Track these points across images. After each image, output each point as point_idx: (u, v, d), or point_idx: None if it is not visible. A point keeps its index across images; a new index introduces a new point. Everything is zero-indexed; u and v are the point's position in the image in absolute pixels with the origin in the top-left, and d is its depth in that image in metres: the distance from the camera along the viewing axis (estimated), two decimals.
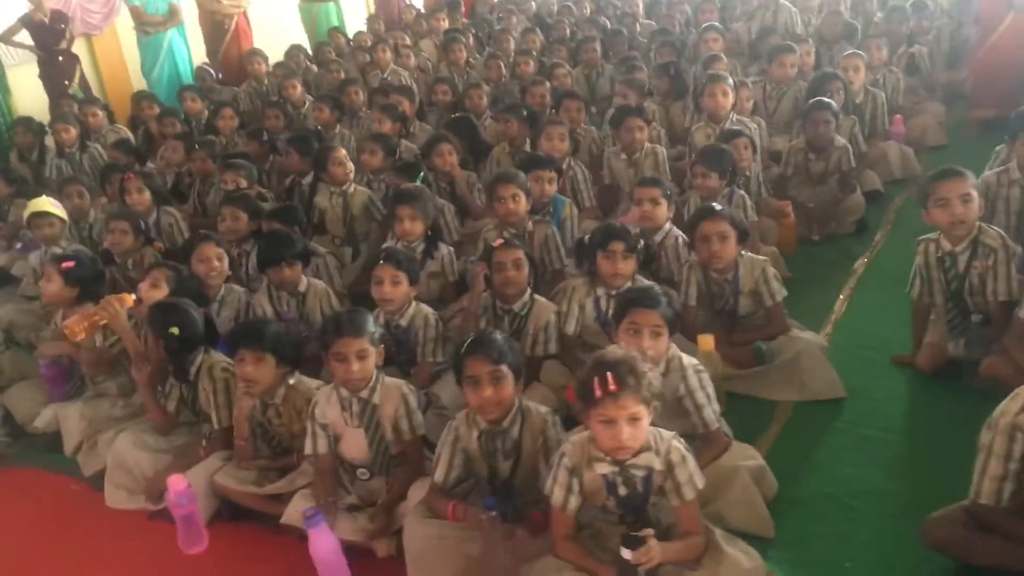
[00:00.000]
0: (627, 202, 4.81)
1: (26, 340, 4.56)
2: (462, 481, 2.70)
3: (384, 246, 3.75)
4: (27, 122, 7.56)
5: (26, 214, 4.88)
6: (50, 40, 8.38)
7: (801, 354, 3.22)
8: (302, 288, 3.87)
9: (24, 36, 8.28)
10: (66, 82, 8.50)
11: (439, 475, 2.64)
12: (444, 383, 3.34)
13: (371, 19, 10.84)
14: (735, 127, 4.74)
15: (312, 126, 6.85)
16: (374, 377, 2.84)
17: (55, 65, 8.45)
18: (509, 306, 3.41)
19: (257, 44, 9.58)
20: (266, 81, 8.62)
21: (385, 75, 7.48)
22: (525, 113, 5.33)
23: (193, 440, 3.34)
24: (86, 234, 5.36)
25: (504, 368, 2.54)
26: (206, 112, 7.61)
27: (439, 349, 3.45)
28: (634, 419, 2.20)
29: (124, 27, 10.65)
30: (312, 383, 3.10)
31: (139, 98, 7.84)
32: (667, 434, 2.34)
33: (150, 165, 6.54)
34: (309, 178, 5.33)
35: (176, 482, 2.89)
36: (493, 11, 10.60)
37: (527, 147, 5.31)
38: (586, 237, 3.42)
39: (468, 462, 2.67)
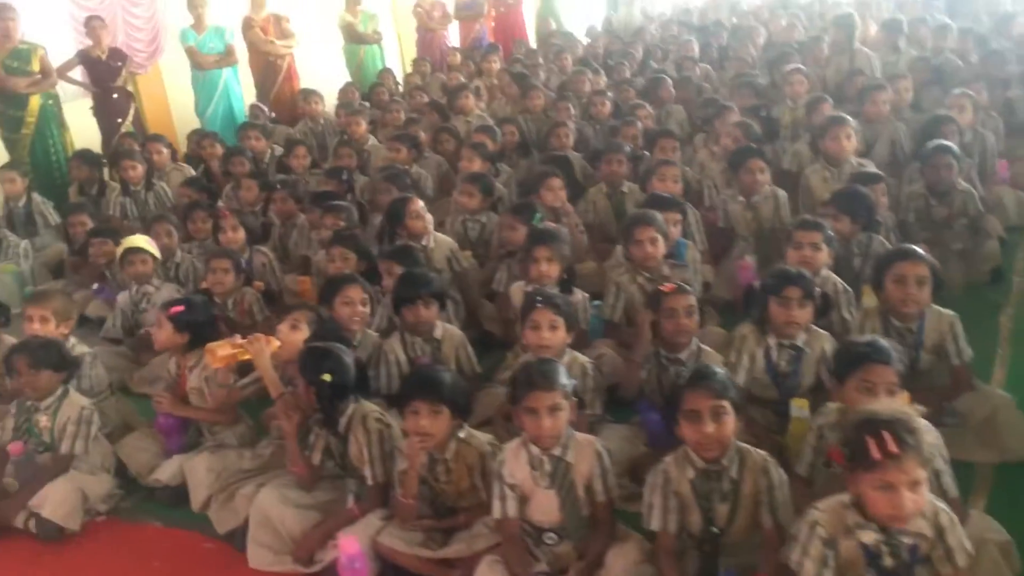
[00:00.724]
0: (742, 246, 4.67)
1: (119, 384, 4.36)
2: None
3: (537, 288, 3.55)
4: (85, 155, 7.41)
5: (119, 250, 4.69)
6: (106, 77, 8.28)
7: (998, 412, 3.02)
8: (438, 334, 3.66)
9: (77, 72, 8.21)
10: (119, 119, 8.39)
11: (657, 523, 2.47)
12: (604, 436, 3.14)
13: (417, 62, 10.79)
14: (868, 170, 4.58)
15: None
16: (566, 433, 2.64)
17: (109, 102, 8.35)
18: (675, 355, 3.22)
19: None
20: (322, 121, 8.51)
21: (468, 118, 7.37)
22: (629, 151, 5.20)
23: (338, 496, 3.12)
24: (172, 273, 5.17)
25: (726, 403, 2.38)
26: (269, 150, 7.49)
27: (597, 400, 3.26)
28: (915, 484, 2.01)
29: (167, 66, 10.63)
30: (483, 437, 2.90)
31: (200, 136, 7.70)
32: (929, 495, 2.14)
33: (220, 204, 6.39)
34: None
35: (348, 544, 2.67)
36: (530, 54, 10.58)
37: (623, 188, 5.19)
38: (756, 282, 3.24)
39: (679, 509, 2.48)
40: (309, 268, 5.25)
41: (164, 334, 3.60)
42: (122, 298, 4.78)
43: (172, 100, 10.57)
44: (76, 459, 3.49)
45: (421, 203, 4.66)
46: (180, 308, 3.58)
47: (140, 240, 4.68)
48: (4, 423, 3.57)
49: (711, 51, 9.38)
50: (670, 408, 2.48)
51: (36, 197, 6.83)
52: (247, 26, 9.25)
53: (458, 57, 10.93)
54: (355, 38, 10.57)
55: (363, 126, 7.13)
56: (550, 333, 3.20)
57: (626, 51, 9.51)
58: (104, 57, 8.26)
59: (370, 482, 2.99)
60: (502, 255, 4.54)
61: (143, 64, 9.44)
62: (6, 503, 3.40)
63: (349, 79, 10.58)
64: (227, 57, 8.85)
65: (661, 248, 3.79)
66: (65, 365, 3.54)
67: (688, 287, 3.23)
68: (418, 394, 2.75)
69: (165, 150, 7.23)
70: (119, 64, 8.36)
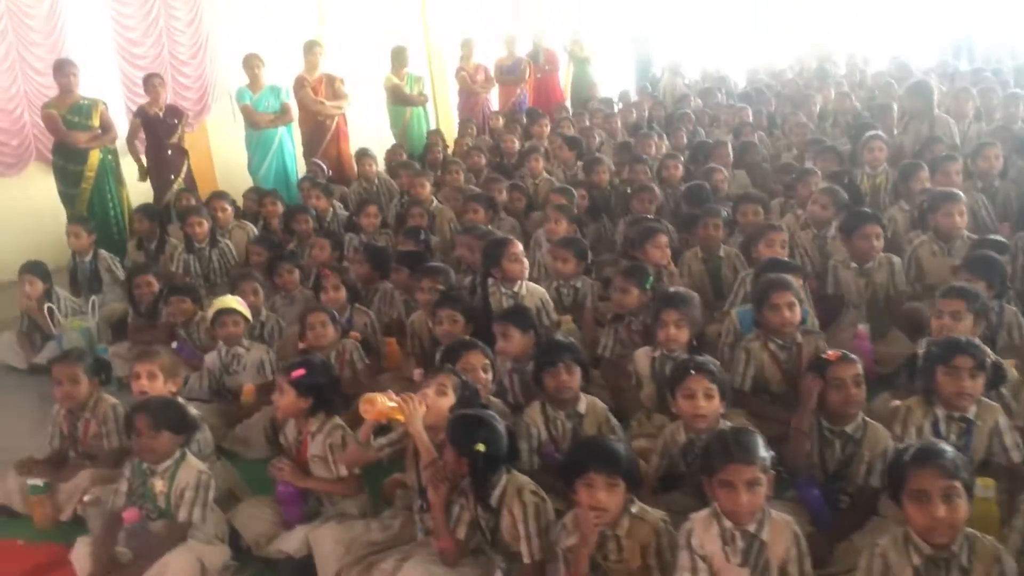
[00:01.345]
0: (852, 315, 4.54)
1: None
2: None
3: (689, 357, 3.39)
4: (147, 210, 7.36)
5: (211, 311, 4.56)
6: (162, 134, 8.26)
7: None
8: (582, 408, 3.42)
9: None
10: (172, 176, 8.35)
11: None
12: None
13: (465, 124, 10.81)
14: (994, 237, 4.48)
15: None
16: (763, 509, 2.48)
17: (163, 159, 8.31)
18: (840, 428, 3.07)
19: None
20: (376, 181, 8.47)
21: (536, 180, 7.30)
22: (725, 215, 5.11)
23: (486, 573, 2.93)
24: (257, 332, 5.03)
25: (958, 484, 2.24)
26: (331, 209, 7.42)
27: None
28: None
29: (212, 123, 10.66)
30: (656, 513, 2.73)
31: (261, 194, 7.63)
32: None
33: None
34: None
35: None
36: (578, 118, 10.59)
37: (720, 253, 5.10)
38: (920, 351, 3.11)
39: None
40: (393, 330, 5.15)
41: (286, 400, 3.43)
42: (210, 359, 4.63)
43: (217, 157, 10.60)
44: (192, 527, 3.31)
45: (520, 246, 4.57)
46: (302, 371, 3.42)
47: (232, 301, 4.54)
48: (117, 486, 3.39)
49: (761, 118, 9.39)
50: (833, 485, 2.32)
51: (103, 253, 6.75)
52: (299, 85, 9.26)
53: (501, 120, 10.95)
54: (401, 100, 10.59)
55: (427, 187, 7.06)
56: (706, 402, 3.06)
57: (677, 116, 9.47)
58: (161, 114, 8.24)
59: (526, 560, 2.81)
60: (609, 319, 4.40)
61: (191, 122, 9.43)
62: (121, 575, 3.22)
63: (393, 140, 10.61)
64: (283, 116, 8.84)
65: (798, 314, 3.67)
66: (185, 427, 3.38)
67: (853, 355, 3.09)
68: (594, 465, 2.59)
69: (229, 207, 7.16)
70: (175, 121, 8.34)
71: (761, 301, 3.71)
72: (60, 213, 8.48)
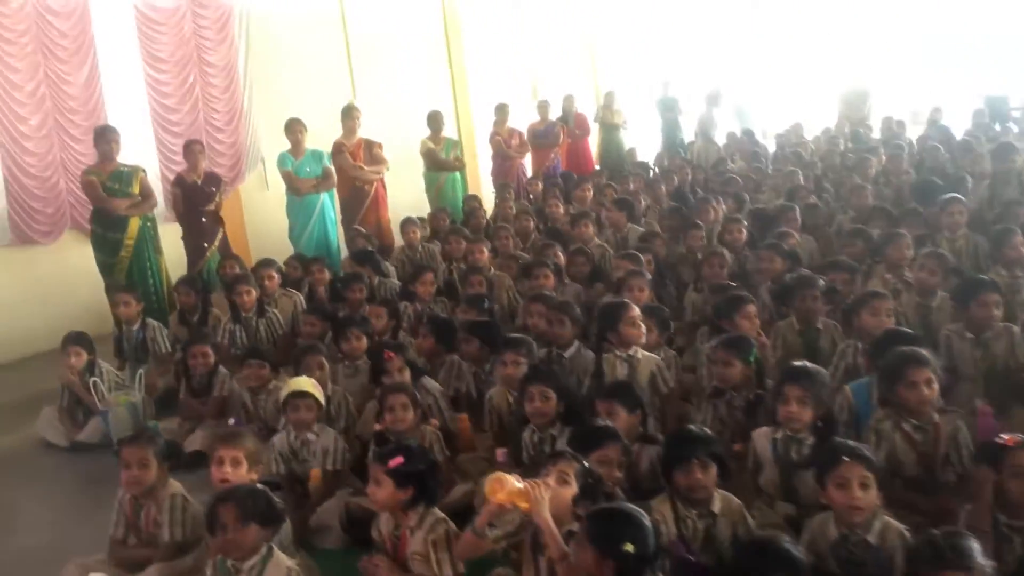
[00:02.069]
0: (968, 388, 4.24)
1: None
2: None
3: (840, 441, 3.07)
4: (191, 281, 7.13)
5: (283, 394, 4.25)
6: (199, 201, 8.07)
7: None
8: (716, 507, 3.04)
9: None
10: (206, 244, 8.13)
11: None
12: None
13: (502, 188, 10.63)
14: None
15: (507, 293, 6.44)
16: None
17: (199, 227, 8.11)
18: (1020, 523, 2.74)
19: None
20: (420, 248, 8.24)
21: (588, 247, 7.05)
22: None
23: None
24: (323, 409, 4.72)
25: None
26: (376, 278, 7.16)
27: None
28: None
29: (246, 191, 10.50)
30: None
31: (307, 262, 7.39)
32: None
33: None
34: (572, 349, 4.76)
35: None
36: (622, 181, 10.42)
37: (818, 324, 4.80)
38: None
39: None
40: (461, 406, 4.85)
41: (384, 492, 3.12)
42: (279, 442, 4.29)
43: (250, 225, 10.43)
44: None
45: (638, 310, 4.30)
46: (400, 459, 3.12)
47: (307, 384, 4.22)
48: None
49: (808, 182, 9.18)
50: None
51: (151, 322, 6.50)
52: (337, 150, 9.09)
53: (540, 184, 10.77)
54: (436, 165, 10.44)
55: (486, 254, 6.80)
56: (862, 492, 2.75)
57: (724, 180, 9.27)
58: (199, 182, 8.07)
59: None
60: (709, 394, 4.10)
61: (225, 189, 9.22)
62: None
63: (428, 205, 10.44)
64: (325, 181, 8.64)
65: (936, 391, 3.37)
66: (273, 518, 3.06)
67: None
68: (777, 571, 2.27)
69: (277, 275, 6.90)
70: (213, 189, 8.16)
71: (894, 377, 3.41)
72: (95, 282, 8.27)
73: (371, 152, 9.32)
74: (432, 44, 13.73)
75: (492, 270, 6.68)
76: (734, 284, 5.21)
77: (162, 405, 6.06)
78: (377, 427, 4.09)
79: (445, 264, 7.50)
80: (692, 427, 3.23)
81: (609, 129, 13.77)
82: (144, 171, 7.75)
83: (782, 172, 9.45)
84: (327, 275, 7.20)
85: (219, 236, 8.16)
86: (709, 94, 14.93)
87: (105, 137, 7.41)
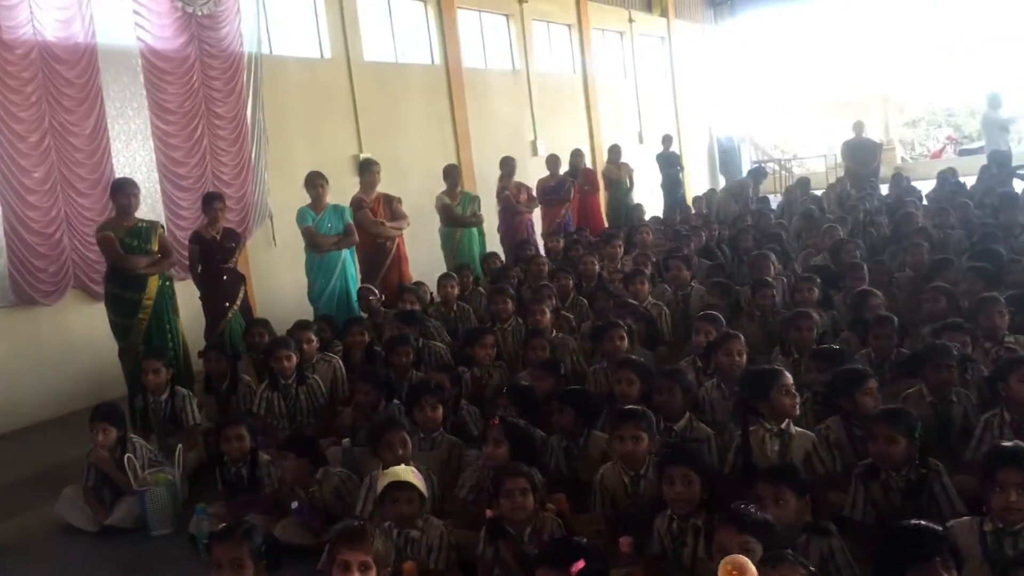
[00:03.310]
0: None
1: None
2: None
3: None
4: (222, 347, 6.63)
5: (381, 483, 3.74)
6: (218, 259, 7.56)
7: None
8: None
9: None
10: (227, 303, 7.61)
11: None
12: None
13: (522, 245, 10.25)
14: None
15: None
16: None
17: (219, 285, 7.58)
18: None
19: None
20: (455, 307, 7.80)
21: (643, 304, 6.66)
22: None
23: None
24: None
25: None
26: (420, 340, 6.69)
27: None
28: None
29: (252, 247, 10.00)
30: None
31: (348, 323, 6.87)
32: None
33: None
34: (682, 422, 4.34)
35: None
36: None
37: (951, 396, 4.42)
38: None
39: None
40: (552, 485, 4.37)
41: None
42: (381, 543, 3.75)
43: (256, 282, 9.90)
44: None
45: (790, 378, 3.89)
46: (582, 564, 2.66)
47: (407, 473, 3.72)
48: None
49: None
50: None
51: (181, 391, 5.97)
52: (357, 206, 8.68)
53: (560, 242, 10.40)
54: (453, 220, 10.05)
55: (548, 315, 6.35)
56: None
57: (769, 235, 8.97)
58: (219, 238, 7.58)
59: None
60: (859, 473, 3.68)
61: (243, 245, 8.73)
62: None
63: (443, 263, 10.03)
64: (347, 238, 8.18)
65: None
66: None
67: None
68: None
69: (315, 339, 6.41)
70: (233, 245, 7.67)
71: None
72: (96, 347, 7.77)
73: (391, 207, 8.92)
74: (436, 100, 13.46)
75: (555, 332, 6.24)
76: (836, 349, 4.81)
77: (192, 482, 5.53)
78: (490, 514, 3.61)
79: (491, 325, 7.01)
80: (922, 522, 2.78)
81: (615, 185, 13.49)
82: (163, 227, 7.27)
83: (815, 226, 9.18)
84: (366, 337, 6.71)
85: (241, 295, 7.66)
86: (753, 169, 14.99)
87: (124, 191, 6.91)
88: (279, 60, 10.77)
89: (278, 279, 10.00)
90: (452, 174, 10.21)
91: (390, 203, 8.92)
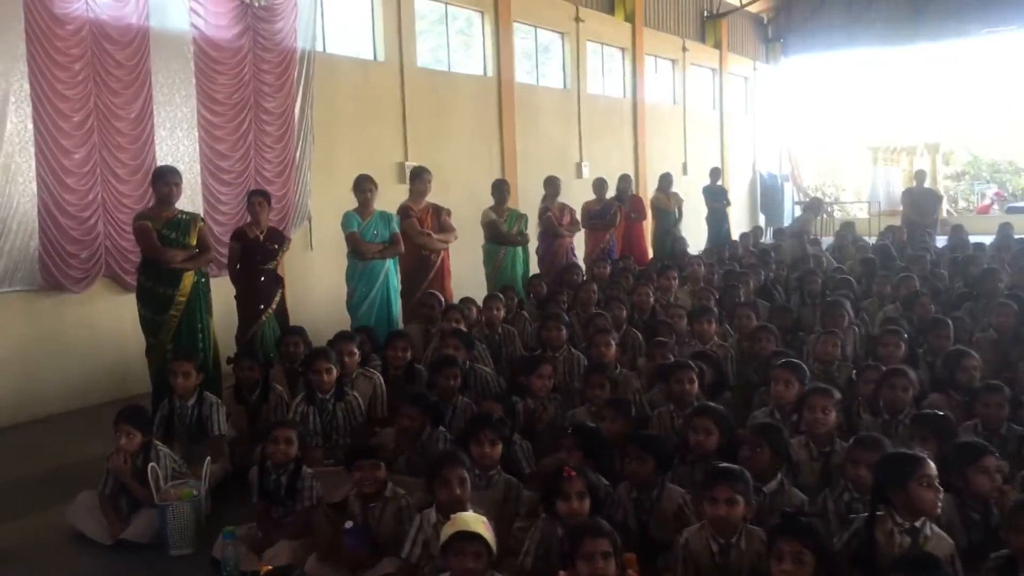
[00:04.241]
0: None
1: None
2: None
3: None
4: (254, 354, 6.24)
5: (447, 531, 3.27)
6: (259, 259, 7.18)
7: None
8: None
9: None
10: (263, 306, 7.22)
11: None
12: None
13: (571, 269, 9.81)
14: None
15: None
16: None
17: (256, 286, 7.19)
18: None
19: None
20: (500, 329, 7.36)
21: (708, 345, 6.20)
22: None
23: None
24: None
25: None
26: (467, 363, 6.26)
27: None
28: None
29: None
30: None
31: (394, 338, 6.45)
32: None
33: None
34: (773, 484, 3.87)
35: None
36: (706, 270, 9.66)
37: None
38: None
39: None
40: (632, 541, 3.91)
41: None
42: None
43: (290, 287, 9.49)
44: None
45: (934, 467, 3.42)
46: None
47: (477, 524, 3.23)
48: None
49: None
50: None
51: (209, 397, 5.57)
52: (404, 214, 8.29)
53: (607, 269, 9.96)
54: (498, 238, 9.64)
55: (612, 348, 5.89)
56: None
57: (836, 282, 8.49)
58: (262, 237, 7.20)
59: None
60: (991, 567, 3.20)
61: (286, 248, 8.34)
62: None
63: (485, 281, 9.62)
64: (393, 247, 7.78)
65: None
66: None
67: None
68: None
69: (357, 352, 5.99)
70: (276, 246, 7.29)
71: None
72: (124, 340, 7.44)
73: (439, 219, 8.53)
74: (485, 112, 13.12)
75: (618, 368, 5.79)
76: (942, 415, 4.33)
77: (215, 497, 5.12)
78: (565, 573, 3.16)
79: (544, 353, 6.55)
80: None
81: (663, 214, 13.06)
82: (203, 220, 6.88)
83: (873, 273, 8.72)
84: (409, 354, 6.30)
85: (277, 299, 7.26)
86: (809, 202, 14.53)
87: (165, 179, 6.55)
88: (332, 59, 10.46)
89: (313, 284, 9.62)
90: (501, 189, 9.82)
91: (439, 214, 8.54)
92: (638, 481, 3.99)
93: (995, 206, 26.27)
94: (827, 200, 27.04)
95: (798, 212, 24.76)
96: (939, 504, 3.31)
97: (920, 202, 13.55)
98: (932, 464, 3.31)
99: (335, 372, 5.53)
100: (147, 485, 4.72)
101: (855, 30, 22.68)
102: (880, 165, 25.37)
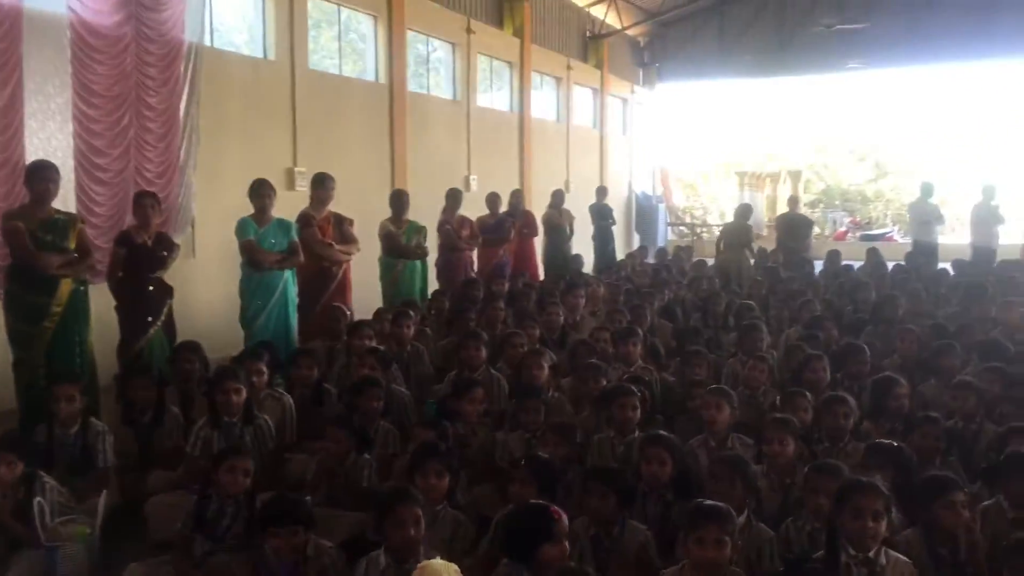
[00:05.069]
0: None
1: None
2: None
3: None
4: (148, 372, 5.62)
5: None
6: (146, 267, 6.59)
7: None
8: None
9: None
10: (150, 318, 6.62)
11: None
12: None
13: (473, 285, 9.51)
14: None
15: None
16: None
17: (143, 297, 6.59)
18: None
19: None
20: (409, 347, 6.95)
21: (632, 368, 6.01)
22: None
23: None
24: None
25: None
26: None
27: None
28: None
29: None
30: None
31: (299, 355, 5.98)
32: None
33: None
34: (741, 519, 3.68)
35: None
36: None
37: None
38: None
39: None
40: None
41: None
42: None
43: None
44: None
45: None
46: None
47: (447, 570, 2.92)
48: None
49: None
50: None
51: (96, 424, 4.97)
52: (305, 223, 7.81)
53: (506, 285, 9.74)
54: (395, 251, 9.25)
55: (545, 371, 5.61)
56: None
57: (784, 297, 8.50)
58: (150, 243, 6.60)
59: None
60: None
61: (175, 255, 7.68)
62: None
63: (381, 296, 9.22)
64: (292, 257, 7.27)
65: None
66: None
67: None
68: None
69: (265, 371, 5.50)
70: (165, 253, 6.71)
71: None
72: None
73: (341, 228, 8.10)
74: (377, 119, 12.68)
75: (552, 392, 5.52)
76: (897, 446, 4.25)
77: (104, 536, 4.53)
78: None
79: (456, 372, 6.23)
80: None
81: (556, 231, 12.95)
82: (83, 222, 6.25)
83: (783, 299, 8.85)
84: (315, 372, 5.85)
85: (166, 311, 6.66)
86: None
87: (41, 175, 5.93)
88: (220, 55, 9.84)
89: (197, 295, 8.94)
90: (400, 200, 9.46)
91: (341, 224, 8.10)
92: (598, 518, 3.73)
93: (850, 233, 27.67)
94: (696, 223, 27.85)
95: (670, 234, 25.47)
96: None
97: (794, 227, 13.95)
98: (961, 487, 3.22)
99: (244, 393, 5.04)
100: (28, 522, 4.12)
101: (726, 60, 23.41)
102: (746, 190, 26.30)
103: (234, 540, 3.96)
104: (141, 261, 6.53)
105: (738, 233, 13.05)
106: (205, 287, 8.98)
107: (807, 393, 5.19)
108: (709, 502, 3.28)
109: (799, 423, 4.63)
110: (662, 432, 4.30)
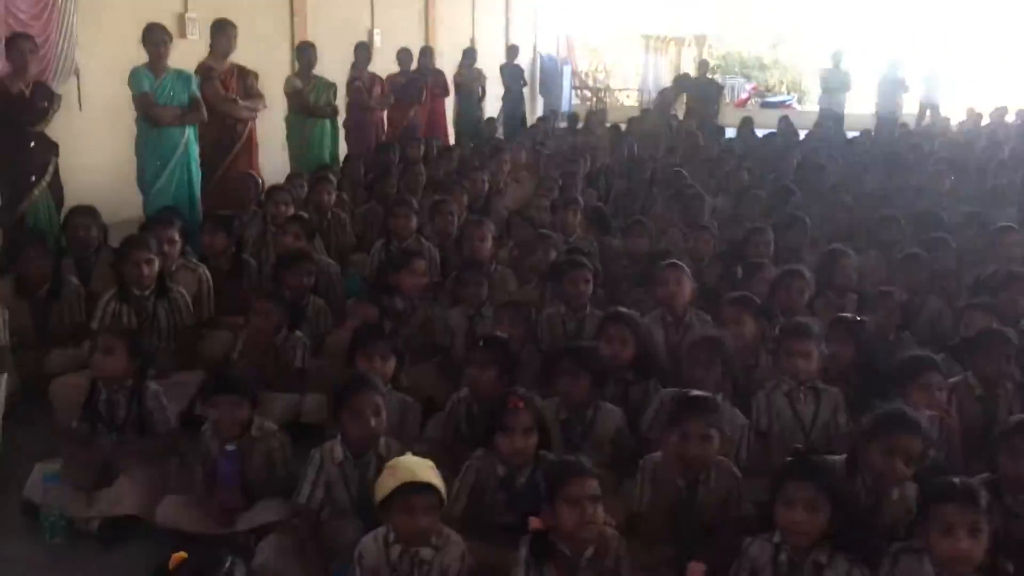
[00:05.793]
0: None
1: None
2: None
3: None
4: (43, 244, 4.99)
5: (388, 483, 2.57)
6: (25, 119, 5.85)
7: None
8: None
9: None
10: (33, 178, 5.93)
11: None
12: None
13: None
14: None
15: None
16: None
17: (23, 154, 5.88)
18: None
19: None
20: (329, 215, 6.47)
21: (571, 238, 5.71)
22: None
23: None
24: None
25: None
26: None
27: None
28: None
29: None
30: None
31: (211, 222, 5.43)
32: None
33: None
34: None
35: None
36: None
37: None
38: None
39: None
40: None
41: None
42: (368, 554, 2.64)
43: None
44: None
45: None
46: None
47: (424, 470, 2.57)
48: None
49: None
50: None
51: None
52: (205, 75, 7.06)
53: (421, 147, 9.22)
54: (303, 109, 8.58)
55: (488, 241, 5.22)
56: None
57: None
58: (28, 92, 5.83)
59: None
60: None
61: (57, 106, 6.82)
62: None
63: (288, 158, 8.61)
64: (194, 112, 6.55)
65: None
66: None
67: None
68: None
69: (179, 239, 4.96)
70: (45, 104, 5.97)
71: None
72: None
73: (246, 82, 7.40)
74: None
75: (495, 266, 5.17)
76: (860, 321, 4.12)
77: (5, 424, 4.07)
78: (536, 524, 2.61)
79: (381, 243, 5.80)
80: None
81: (467, 93, 12.34)
82: None
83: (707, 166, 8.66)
84: (225, 240, 5.35)
85: (51, 169, 5.96)
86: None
87: None
88: None
89: (84, 153, 8.02)
90: (306, 54, 8.76)
91: (245, 77, 7.39)
92: (570, 401, 3.49)
93: (751, 100, 27.70)
94: (599, 87, 27.38)
95: (575, 98, 24.96)
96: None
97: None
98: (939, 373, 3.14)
99: (156, 264, 4.53)
100: None
101: None
102: (651, 53, 25.84)
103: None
104: (19, 113, 5.80)
105: (708, 89, 12.94)
106: (95, 144, 8.11)
107: (771, 265, 5.04)
108: (693, 393, 3.05)
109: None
110: (623, 310, 4.04)
